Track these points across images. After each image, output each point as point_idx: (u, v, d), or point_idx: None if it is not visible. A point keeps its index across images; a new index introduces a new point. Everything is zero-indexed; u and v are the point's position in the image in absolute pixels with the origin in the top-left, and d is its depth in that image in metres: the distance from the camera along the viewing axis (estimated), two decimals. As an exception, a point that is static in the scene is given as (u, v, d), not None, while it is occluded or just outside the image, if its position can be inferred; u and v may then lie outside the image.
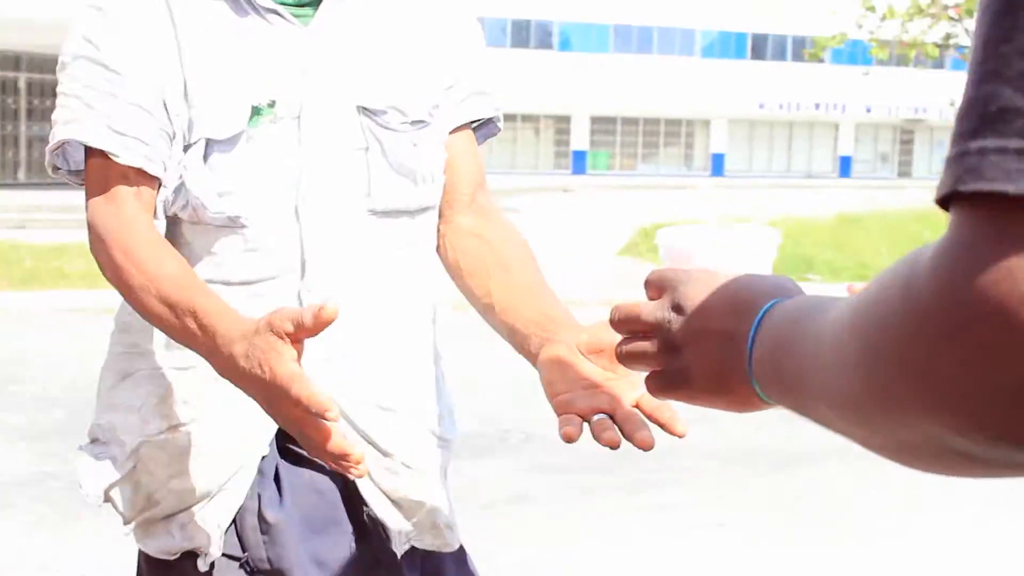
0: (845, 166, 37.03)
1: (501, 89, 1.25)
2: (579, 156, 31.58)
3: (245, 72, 1.06)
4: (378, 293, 1.11)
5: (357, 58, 1.11)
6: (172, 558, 1.10)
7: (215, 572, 1.09)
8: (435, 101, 1.15)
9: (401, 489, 1.12)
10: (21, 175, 18.03)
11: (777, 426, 4.01)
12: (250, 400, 0.94)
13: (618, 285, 7.38)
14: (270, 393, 0.87)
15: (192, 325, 0.95)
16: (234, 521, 1.09)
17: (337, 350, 1.05)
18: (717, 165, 35.81)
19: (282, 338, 0.86)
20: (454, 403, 1.23)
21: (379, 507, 1.11)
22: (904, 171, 37.42)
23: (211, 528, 1.09)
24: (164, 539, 1.11)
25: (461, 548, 1.20)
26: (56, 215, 13.53)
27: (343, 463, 0.89)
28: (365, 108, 1.10)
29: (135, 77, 1.05)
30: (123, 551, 2.27)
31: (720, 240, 0.73)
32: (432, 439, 1.16)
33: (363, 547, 1.13)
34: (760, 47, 33.63)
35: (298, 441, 0.92)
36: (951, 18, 11.31)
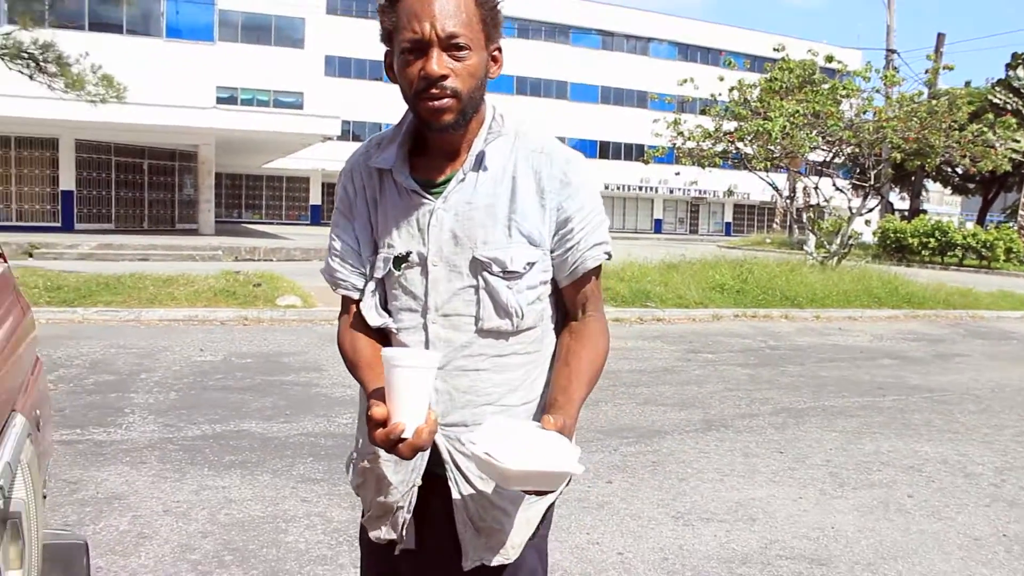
0: (658, 225, 51.63)
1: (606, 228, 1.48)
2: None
3: (400, 234, 1.43)
4: (477, 385, 1.41)
5: (474, 222, 1.40)
6: (381, 543, 1.51)
7: (397, 552, 1.50)
8: (530, 259, 1.40)
9: (487, 520, 1.42)
10: (145, 224, 24.64)
11: (638, 409, 5.28)
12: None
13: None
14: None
15: (361, 381, 1.41)
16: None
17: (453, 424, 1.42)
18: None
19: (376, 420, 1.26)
20: None
21: (465, 530, 1.43)
22: (693, 230, 52.30)
23: (400, 529, 1.48)
24: (376, 532, 1.51)
25: (521, 556, 1.46)
26: (167, 251, 16.58)
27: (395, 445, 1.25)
28: (477, 259, 1.40)
29: (350, 244, 1.48)
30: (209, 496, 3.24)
31: (407, 359, 1.19)
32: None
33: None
34: (606, 149, 48.04)
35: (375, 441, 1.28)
36: (729, 141, 15.41)
